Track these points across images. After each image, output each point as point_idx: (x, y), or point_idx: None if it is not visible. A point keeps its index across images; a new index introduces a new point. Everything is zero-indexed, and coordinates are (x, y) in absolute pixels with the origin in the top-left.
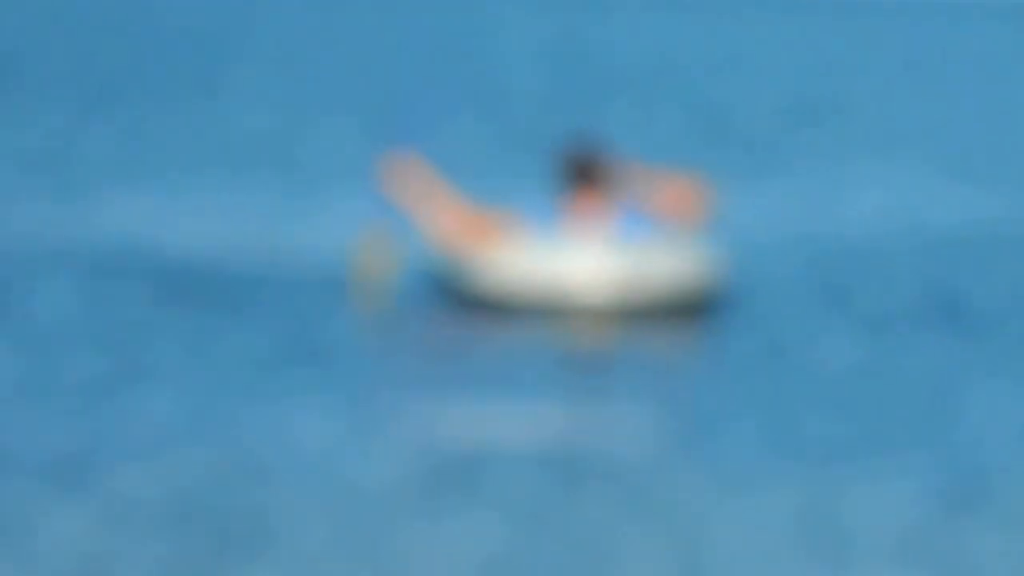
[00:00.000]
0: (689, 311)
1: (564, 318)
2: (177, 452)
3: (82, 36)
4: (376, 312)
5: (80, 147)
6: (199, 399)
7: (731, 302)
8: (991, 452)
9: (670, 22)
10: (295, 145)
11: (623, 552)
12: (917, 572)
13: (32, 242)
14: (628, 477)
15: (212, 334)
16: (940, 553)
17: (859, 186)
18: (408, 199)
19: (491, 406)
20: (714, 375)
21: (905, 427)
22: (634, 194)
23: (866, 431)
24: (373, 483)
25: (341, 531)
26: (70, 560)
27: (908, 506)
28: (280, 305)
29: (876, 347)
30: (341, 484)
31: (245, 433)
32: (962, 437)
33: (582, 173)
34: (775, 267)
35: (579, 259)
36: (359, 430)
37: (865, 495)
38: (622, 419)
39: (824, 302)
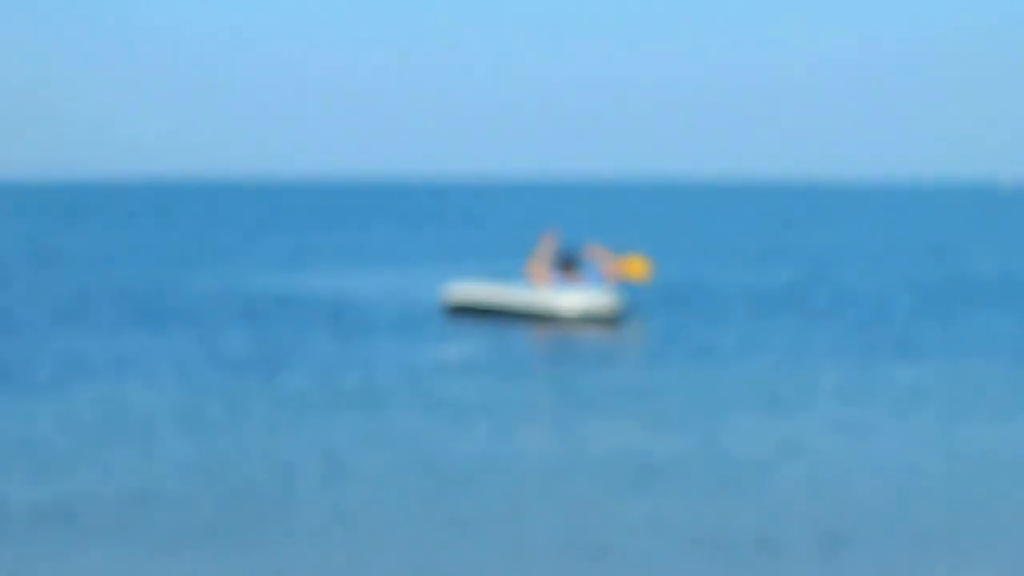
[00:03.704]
0: (608, 320)
1: (559, 320)
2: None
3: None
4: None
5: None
6: None
7: (622, 316)
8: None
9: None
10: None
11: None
12: None
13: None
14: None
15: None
16: None
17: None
18: (539, 254)
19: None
20: (618, 342)
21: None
22: (594, 267)
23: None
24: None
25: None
26: None
27: None
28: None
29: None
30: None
31: None
32: None
33: (567, 263)
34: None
35: (567, 297)
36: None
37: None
38: (577, 350)
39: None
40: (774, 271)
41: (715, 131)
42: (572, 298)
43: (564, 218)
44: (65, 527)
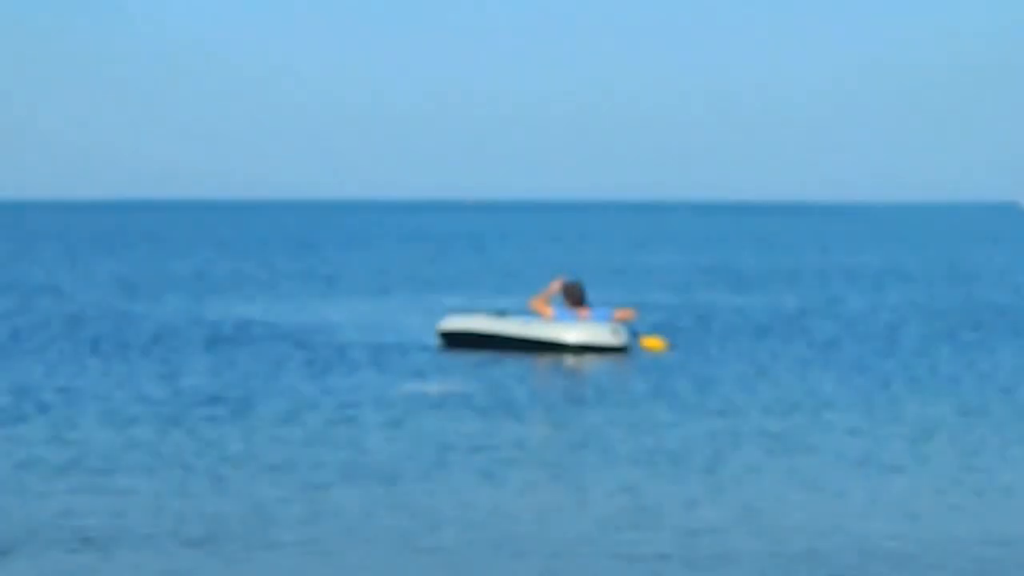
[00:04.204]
0: (615, 351)
1: (561, 352)
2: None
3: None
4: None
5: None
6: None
7: (627, 348)
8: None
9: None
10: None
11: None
12: None
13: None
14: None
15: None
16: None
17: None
18: (548, 290)
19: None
20: (625, 371)
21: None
22: (605, 309)
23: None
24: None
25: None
26: None
27: None
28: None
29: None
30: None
31: None
32: None
33: (572, 294)
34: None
35: (570, 328)
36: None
37: None
38: (582, 383)
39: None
40: (781, 297)
41: (724, 151)
42: (575, 330)
43: (561, 242)
44: (20, 570)
